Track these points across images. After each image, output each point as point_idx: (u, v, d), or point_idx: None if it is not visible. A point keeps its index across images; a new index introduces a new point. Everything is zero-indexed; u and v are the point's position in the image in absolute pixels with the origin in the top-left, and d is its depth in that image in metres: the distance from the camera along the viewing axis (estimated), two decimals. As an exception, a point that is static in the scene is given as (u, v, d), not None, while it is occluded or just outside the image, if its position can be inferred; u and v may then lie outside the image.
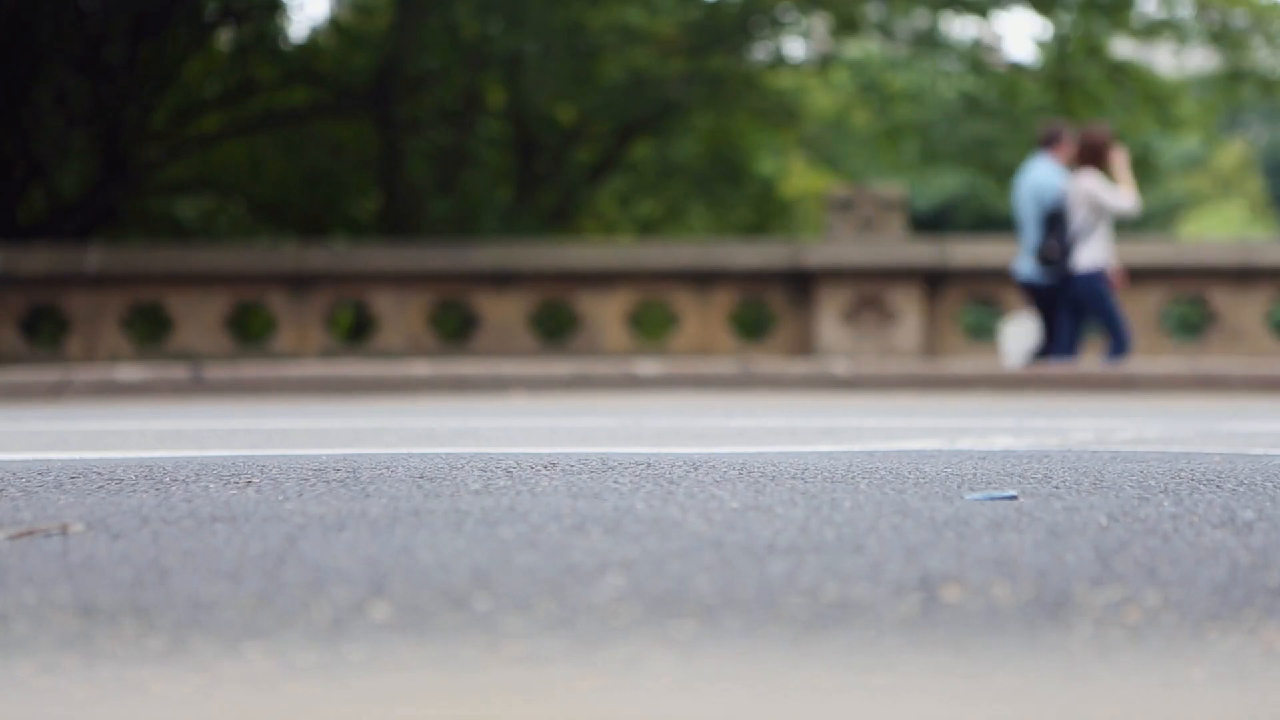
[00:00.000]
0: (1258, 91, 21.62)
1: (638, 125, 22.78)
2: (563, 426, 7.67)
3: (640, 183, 25.79)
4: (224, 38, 22.06)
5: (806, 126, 25.28)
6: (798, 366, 12.82)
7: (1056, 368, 12.43)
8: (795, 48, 25.02)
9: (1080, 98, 21.05)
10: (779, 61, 23.59)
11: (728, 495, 3.34)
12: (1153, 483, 3.56)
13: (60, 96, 18.86)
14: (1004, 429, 7.38)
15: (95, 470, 3.89)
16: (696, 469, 3.80)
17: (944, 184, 36.16)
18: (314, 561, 2.64)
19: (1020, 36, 62.82)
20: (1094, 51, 20.85)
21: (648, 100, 21.69)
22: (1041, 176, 12.59)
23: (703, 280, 16.46)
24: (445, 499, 3.31)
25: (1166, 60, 25.30)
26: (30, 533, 2.99)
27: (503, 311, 16.47)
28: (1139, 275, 16.24)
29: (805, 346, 16.25)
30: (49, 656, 2.19)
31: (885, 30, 21.61)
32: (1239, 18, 20.46)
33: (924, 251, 16.46)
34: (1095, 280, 12.58)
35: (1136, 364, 13.14)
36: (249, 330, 18.50)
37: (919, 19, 21.25)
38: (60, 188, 20.05)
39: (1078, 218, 12.37)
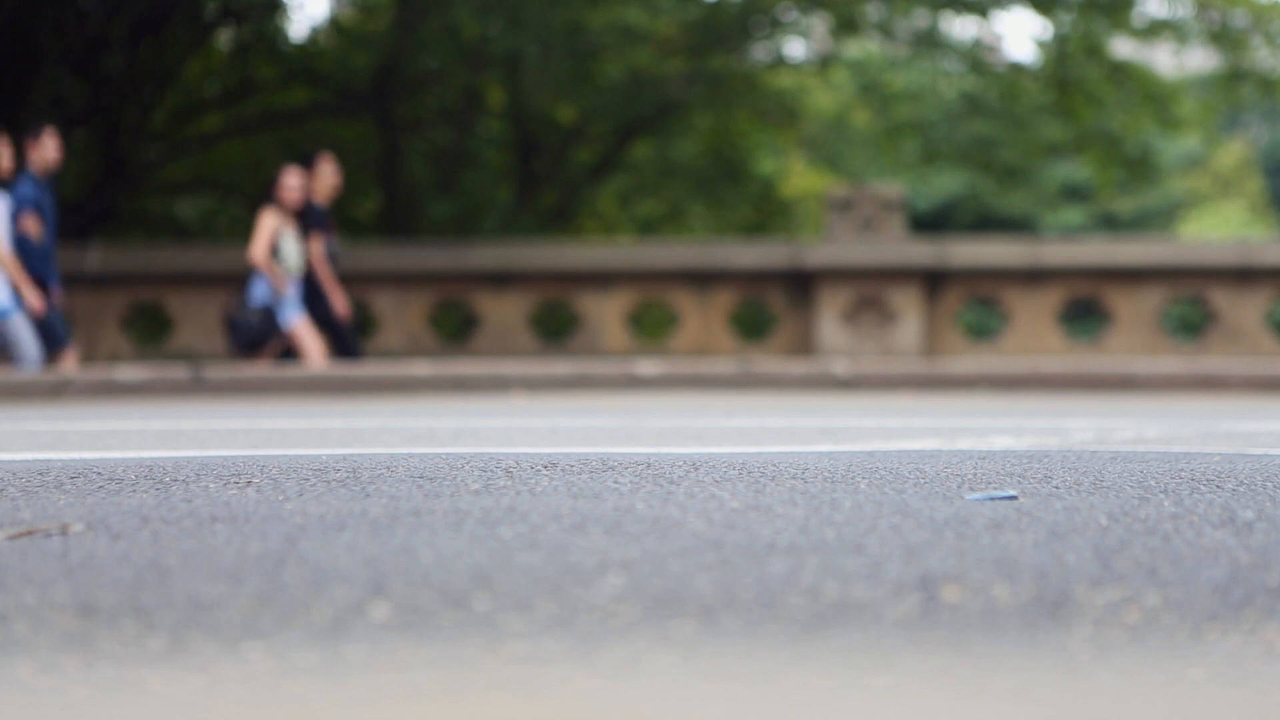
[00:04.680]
0: (1258, 91, 21.61)
1: (638, 125, 22.78)
2: (563, 426, 7.67)
3: (640, 183, 25.79)
4: (224, 38, 22.06)
5: (806, 126, 25.28)
6: (798, 366, 12.82)
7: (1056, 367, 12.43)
8: (795, 48, 25.02)
9: (1080, 98, 21.05)
10: (779, 61, 23.59)
11: (728, 495, 3.34)
12: (1153, 483, 3.56)
13: (59, 97, 18.85)
14: (1004, 429, 7.38)
15: (95, 470, 3.89)
16: (696, 469, 3.80)
17: (944, 184, 36.16)
18: (314, 561, 2.64)
19: (1020, 36, 62.87)
20: (1094, 51, 20.84)
21: (648, 100, 21.69)
22: None
23: (703, 280, 16.47)
24: (445, 499, 3.31)
25: (1166, 60, 25.30)
26: (30, 533, 2.99)
27: (503, 311, 16.47)
28: (1139, 275, 16.24)
29: (805, 346, 16.25)
30: (49, 656, 2.19)
31: (885, 30, 21.60)
32: (1239, 18, 20.46)
33: (924, 251, 16.46)
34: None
35: (1136, 364, 13.15)
36: (249, 330, 18.46)
37: (919, 19, 21.25)
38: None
39: None
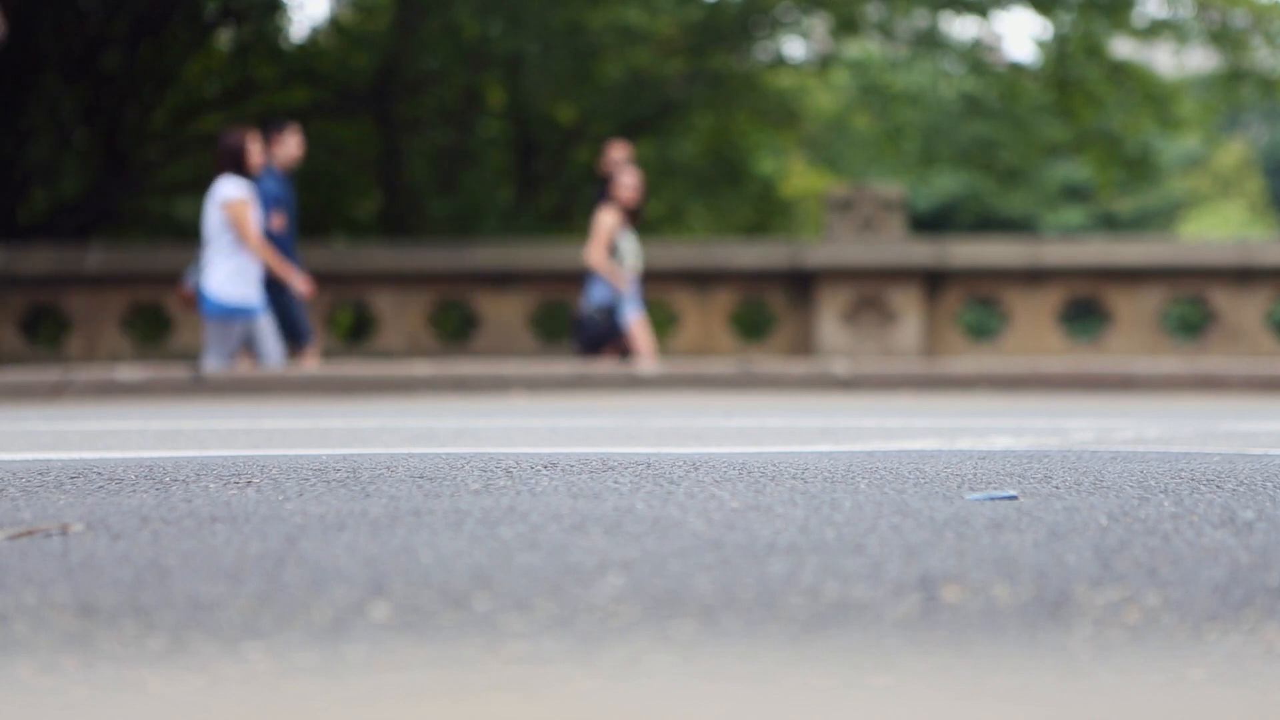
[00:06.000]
0: (1258, 91, 21.62)
1: (638, 125, 22.78)
2: (563, 426, 7.67)
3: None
4: (224, 38, 22.06)
5: (806, 126, 25.28)
6: (798, 366, 12.82)
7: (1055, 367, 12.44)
8: (795, 48, 25.02)
9: (1080, 98, 21.05)
10: (779, 61, 23.59)
11: (728, 495, 3.34)
12: (1153, 483, 3.56)
13: (60, 97, 18.85)
14: (1004, 429, 7.38)
15: (95, 470, 3.88)
16: (696, 469, 3.79)
17: (944, 184, 36.14)
18: (314, 561, 2.64)
19: (1020, 36, 62.91)
20: (1094, 51, 20.84)
21: (648, 100, 21.69)
22: None
23: (703, 280, 16.47)
24: (445, 499, 3.31)
25: (1166, 60, 25.30)
26: (30, 533, 2.99)
27: (503, 311, 16.47)
28: (1139, 275, 16.24)
29: (805, 346, 16.25)
30: (49, 656, 2.19)
31: (885, 30, 21.61)
32: (1239, 18, 20.46)
33: (924, 251, 16.47)
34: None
35: (1136, 364, 13.14)
36: (249, 330, 18.46)
37: (919, 19, 21.24)
38: (60, 188, 20.05)
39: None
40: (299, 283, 12.33)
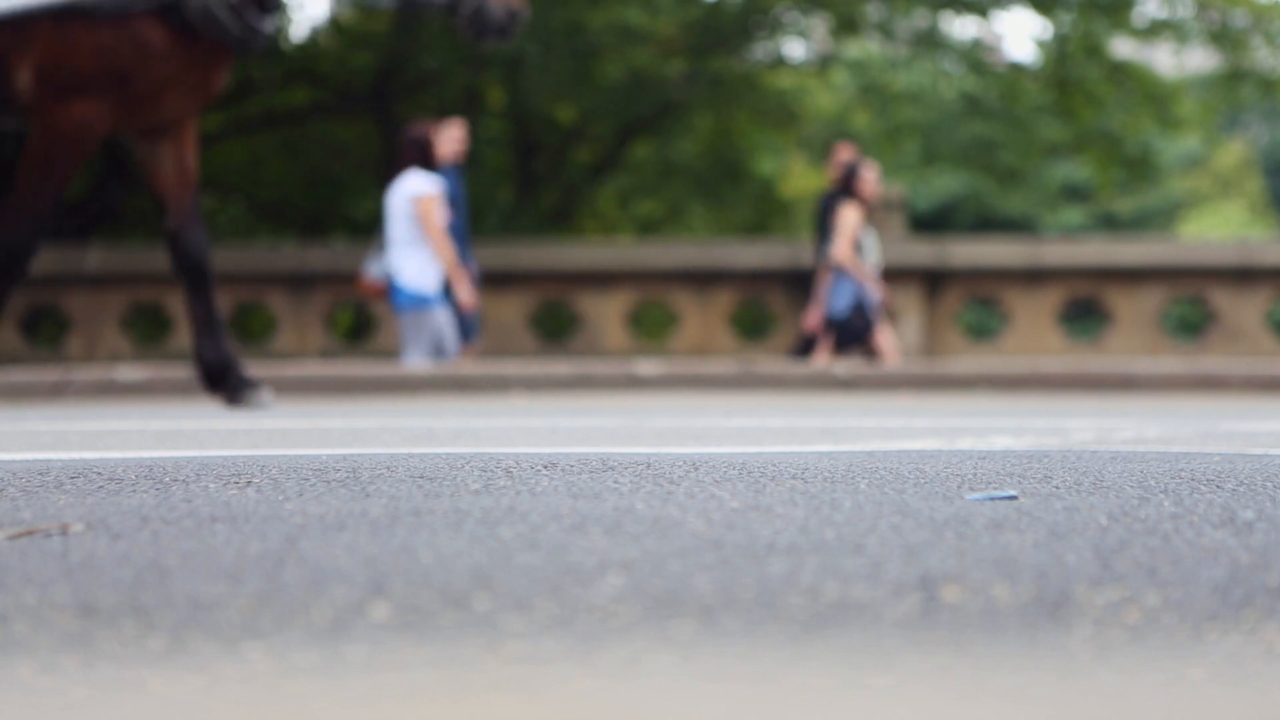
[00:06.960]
0: (1258, 91, 21.62)
1: (638, 125, 22.78)
2: (563, 426, 7.67)
3: (640, 183, 25.78)
4: (224, 38, 22.02)
5: (806, 127, 25.28)
6: (798, 366, 12.82)
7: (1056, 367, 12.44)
8: (795, 48, 25.03)
9: (1080, 98, 21.05)
10: (779, 62, 23.59)
11: (728, 495, 3.34)
12: (1153, 483, 3.56)
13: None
14: (1004, 429, 7.38)
15: (95, 470, 3.88)
16: (696, 469, 3.79)
17: (944, 184, 36.13)
18: (314, 561, 2.64)
19: (1020, 36, 62.91)
20: (1094, 51, 20.84)
21: (648, 100, 21.69)
22: None
23: (703, 280, 16.47)
24: (445, 499, 3.31)
25: (1166, 60, 25.30)
26: (30, 533, 2.99)
27: (503, 311, 16.47)
28: (1139, 275, 16.24)
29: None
30: (49, 656, 2.19)
31: (885, 30, 21.61)
32: (1239, 18, 20.46)
33: (924, 251, 16.47)
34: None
35: (1136, 364, 13.15)
36: (249, 330, 18.50)
37: (919, 19, 21.25)
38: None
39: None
40: (465, 293, 12.31)
